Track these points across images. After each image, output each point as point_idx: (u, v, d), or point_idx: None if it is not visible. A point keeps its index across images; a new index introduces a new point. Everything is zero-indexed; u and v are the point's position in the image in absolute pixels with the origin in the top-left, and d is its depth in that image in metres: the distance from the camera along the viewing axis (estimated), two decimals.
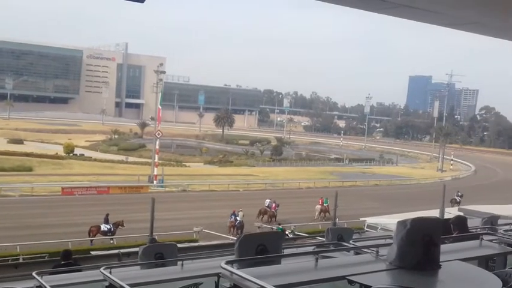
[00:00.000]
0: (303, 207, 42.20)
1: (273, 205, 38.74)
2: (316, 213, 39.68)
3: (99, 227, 29.89)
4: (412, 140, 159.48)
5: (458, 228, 6.98)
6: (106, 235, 29.90)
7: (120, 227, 30.40)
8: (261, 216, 37.79)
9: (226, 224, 33.56)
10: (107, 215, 30.87)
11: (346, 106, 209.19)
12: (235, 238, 6.48)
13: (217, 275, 4.51)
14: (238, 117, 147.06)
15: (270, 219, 37.60)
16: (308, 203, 42.43)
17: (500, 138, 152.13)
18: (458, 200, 46.98)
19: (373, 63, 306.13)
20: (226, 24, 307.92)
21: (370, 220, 29.80)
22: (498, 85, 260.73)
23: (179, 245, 15.13)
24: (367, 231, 24.95)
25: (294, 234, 29.34)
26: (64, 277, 6.28)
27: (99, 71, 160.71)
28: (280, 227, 31.03)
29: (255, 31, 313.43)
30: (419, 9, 4.70)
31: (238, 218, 33.54)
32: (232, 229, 32.87)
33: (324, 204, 40.01)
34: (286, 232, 29.32)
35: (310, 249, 6.00)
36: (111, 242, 28.91)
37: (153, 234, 19.50)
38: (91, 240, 28.85)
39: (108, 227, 30.18)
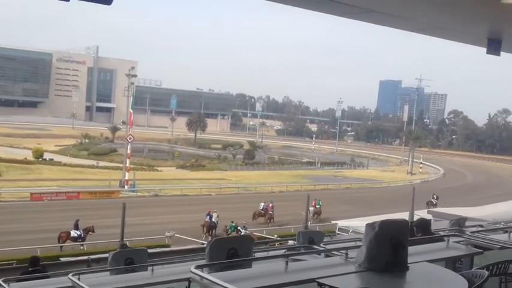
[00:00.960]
0: (280, 210, 42.23)
1: (270, 206, 39.98)
2: (310, 215, 40.09)
3: (69, 233, 29.45)
4: (383, 143, 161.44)
5: (421, 231, 7.09)
6: (76, 241, 29.46)
7: (90, 232, 30.00)
8: (256, 218, 38.65)
9: (199, 228, 33.45)
10: (77, 220, 30.42)
11: (318, 110, 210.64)
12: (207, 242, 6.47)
13: (188, 279, 4.50)
14: (210, 121, 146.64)
15: (268, 221, 38.53)
16: (283, 207, 42.55)
17: (468, 142, 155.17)
18: (434, 202, 47.90)
19: (344, 68, 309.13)
20: (198, 28, 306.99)
21: (341, 223, 29.99)
22: (466, 90, 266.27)
23: (150, 250, 15.02)
24: (338, 234, 25.15)
25: (245, 228, 31.98)
26: (31, 284, 6.19)
27: (69, 75, 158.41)
28: (233, 224, 32.65)
29: (226, 35, 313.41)
30: (387, 14, 4.79)
31: (213, 219, 34.17)
32: (205, 229, 33.22)
33: (317, 206, 41.31)
34: (239, 228, 31.99)
35: (280, 252, 6.03)
36: (81, 248, 28.50)
37: (124, 239, 19.30)
38: (61, 247, 28.37)
39: (78, 233, 29.76)
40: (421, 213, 20.88)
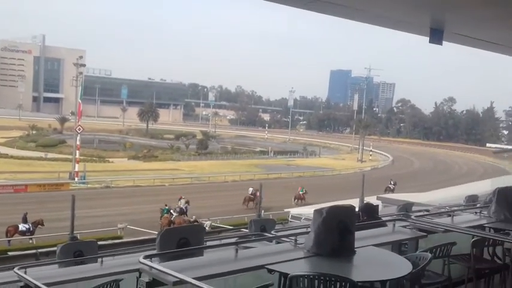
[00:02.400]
0: (234, 199, 42.34)
1: (257, 192, 40.24)
2: (293, 201, 42.99)
3: (17, 227, 28.65)
4: (334, 132, 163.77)
5: (367, 216, 7.28)
6: (25, 235, 28.68)
7: (39, 226, 29.28)
8: (247, 203, 41.16)
9: (152, 219, 33.19)
10: (25, 214, 29.66)
11: (271, 99, 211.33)
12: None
13: (138, 270, 4.48)
14: (163, 111, 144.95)
15: (255, 206, 39.32)
16: (237, 196, 42.73)
17: (415, 130, 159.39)
18: (392, 188, 49.94)
19: (296, 58, 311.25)
20: (149, 17, 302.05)
21: (294, 211, 30.43)
22: (413, 79, 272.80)
23: (101, 243, 14.79)
24: (291, 221, 25.49)
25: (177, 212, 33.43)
26: None
27: (15, 64, 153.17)
28: (166, 207, 34.20)
29: (178, 24, 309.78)
30: (331, 3, 4.86)
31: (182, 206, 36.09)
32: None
33: (300, 193, 44.14)
34: (171, 211, 33.63)
35: (232, 240, 6.07)
36: (30, 241, 27.78)
37: (75, 232, 18.98)
38: (8, 241, 27.56)
39: (27, 226, 29.00)
40: (371, 200, 21.41)
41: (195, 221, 32.23)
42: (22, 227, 28.87)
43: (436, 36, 6.92)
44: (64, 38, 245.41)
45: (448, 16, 6.56)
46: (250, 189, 42.31)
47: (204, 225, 29.39)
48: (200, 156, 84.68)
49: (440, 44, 7.07)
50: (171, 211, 34.00)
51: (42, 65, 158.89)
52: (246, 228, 9.37)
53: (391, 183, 51.59)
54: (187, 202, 36.66)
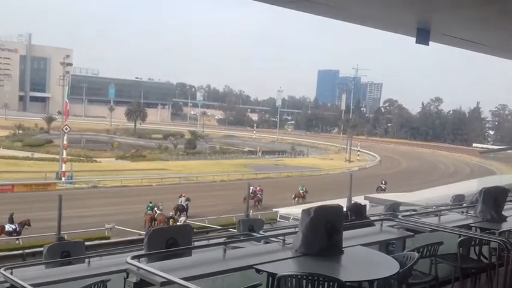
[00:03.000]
0: (223, 199, 42.24)
1: (257, 188, 42.78)
2: (294, 200, 43.91)
3: (3, 227, 28.37)
4: (322, 132, 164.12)
5: (355, 215, 7.32)
6: (11, 235, 28.40)
7: (26, 226, 29.01)
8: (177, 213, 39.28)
9: (139, 219, 33.08)
10: (12, 214, 29.36)
11: (259, 99, 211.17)
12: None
13: (126, 271, 4.46)
14: (150, 111, 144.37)
15: (256, 204, 41.42)
16: (224, 196, 42.66)
17: (402, 129, 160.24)
18: (383, 187, 50.61)
19: (284, 58, 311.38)
20: (136, 16, 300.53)
21: (282, 211, 30.45)
22: (400, 79, 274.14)
23: (88, 243, 14.70)
24: (279, 221, 25.51)
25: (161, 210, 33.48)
26: None
27: (1, 63, 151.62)
28: (150, 204, 34.50)
29: (166, 24, 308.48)
30: (318, 3, 4.87)
31: (183, 203, 37.02)
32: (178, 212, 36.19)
33: (301, 191, 45.28)
34: (155, 208, 33.79)
35: (220, 240, 6.07)
36: (17, 242, 27.51)
37: (62, 233, 18.79)
38: None
39: (14, 226, 28.73)
40: (359, 199, 21.47)
41: (171, 217, 33.76)
42: (8, 227, 28.60)
43: (423, 36, 6.97)
44: (50, 36, 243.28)
45: (434, 16, 6.61)
46: (251, 187, 42.08)
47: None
48: (188, 156, 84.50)
49: (427, 44, 7.12)
50: (155, 208, 33.98)
51: (28, 64, 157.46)
52: (234, 228, 9.37)
53: (382, 183, 52.22)
54: (187, 200, 37.37)
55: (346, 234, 5.16)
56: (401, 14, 6.19)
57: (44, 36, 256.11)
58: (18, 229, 28.72)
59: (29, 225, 29.01)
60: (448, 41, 7.95)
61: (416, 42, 6.92)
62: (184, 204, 36.99)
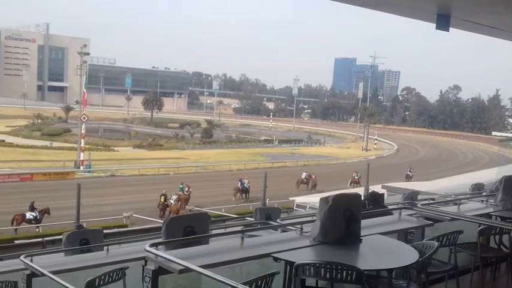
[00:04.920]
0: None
1: (313, 175, 46.46)
2: (349, 184, 45.60)
3: (24, 215, 28.70)
4: (338, 120, 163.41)
5: (373, 204, 7.26)
6: (31, 223, 28.74)
7: (46, 214, 29.37)
8: (299, 185, 45.09)
9: (157, 208, 33.32)
10: (32, 202, 29.70)
11: (275, 88, 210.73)
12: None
13: (144, 258, 4.48)
14: (167, 100, 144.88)
15: (312, 189, 44.11)
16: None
17: (420, 118, 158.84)
18: (411, 175, 52.13)
19: (301, 46, 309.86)
20: (152, 4, 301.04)
21: (299, 200, 30.43)
22: (418, 66, 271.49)
23: (107, 231, 14.86)
24: (296, 210, 25.51)
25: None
26: None
27: (19, 53, 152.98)
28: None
29: (182, 12, 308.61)
30: None
31: (245, 185, 40.01)
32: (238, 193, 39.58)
33: (355, 177, 46.87)
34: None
35: (237, 229, 6.07)
36: (37, 230, 27.89)
37: (80, 221, 19.04)
38: (15, 229, 27.67)
39: (34, 214, 29.07)
40: (376, 188, 21.37)
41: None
42: (29, 215, 28.91)
43: (443, 22, 6.85)
44: (68, 26, 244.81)
45: (455, 2, 6.49)
46: (304, 173, 47.38)
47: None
48: (205, 145, 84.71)
49: (447, 30, 7.00)
50: (173, 197, 34.19)
51: (46, 53, 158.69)
52: (251, 217, 9.38)
53: (410, 171, 53.60)
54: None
55: (364, 223, 5.13)
56: (421, 0, 6.09)
57: (61, 26, 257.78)
58: (38, 217, 29.07)
59: (49, 213, 29.37)
60: (468, 27, 7.81)
61: (436, 28, 6.80)
62: (247, 186, 40.00)
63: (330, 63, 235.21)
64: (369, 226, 5.34)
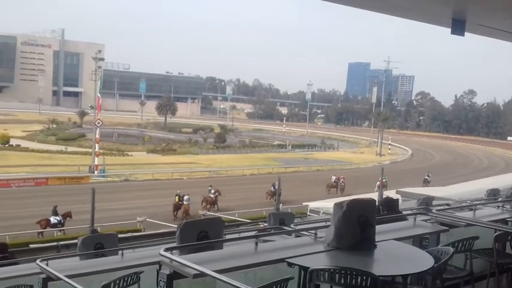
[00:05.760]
0: (256, 193, 42.29)
1: (341, 178, 47.42)
2: (376, 187, 44.62)
3: (49, 220, 28.85)
4: (352, 125, 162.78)
5: (388, 209, 7.21)
6: (56, 227, 28.88)
7: (68, 218, 29.50)
8: (329, 189, 46.11)
9: (170, 213, 33.47)
10: (55, 206, 29.90)
11: (288, 93, 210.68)
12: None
13: (158, 263, 4.50)
14: (180, 105, 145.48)
15: (341, 192, 44.80)
16: (256, 190, 42.66)
17: (435, 123, 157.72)
18: (429, 180, 52.40)
19: (314, 51, 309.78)
20: (166, 11, 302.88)
21: (312, 205, 30.34)
22: (433, 71, 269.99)
23: (121, 235, 14.91)
24: (309, 215, 25.43)
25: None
26: (0, 271, 6.09)
27: (35, 59, 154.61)
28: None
29: (196, 18, 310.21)
30: None
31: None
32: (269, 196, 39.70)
33: (383, 180, 46.73)
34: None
35: (251, 233, 6.07)
36: (59, 234, 27.86)
37: (95, 225, 19.15)
38: (41, 233, 27.60)
39: (58, 219, 29.25)
40: (390, 194, 21.26)
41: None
42: (53, 219, 29.09)
43: (458, 27, 6.82)
44: (83, 32, 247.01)
45: (470, 6, 6.46)
46: (333, 177, 47.97)
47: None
48: (218, 150, 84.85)
49: (462, 35, 6.97)
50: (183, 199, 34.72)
51: (61, 59, 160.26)
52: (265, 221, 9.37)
53: (428, 176, 53.75)
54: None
55: (379, 228, 5.10)
56: (436, 5, 6.06)
57: (76, 31, 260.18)
58: (62, 221, 29.25)
59: (71, 217, 29.44)
60: (484, 32, 7.77)
61: (451, 33, 6.78)
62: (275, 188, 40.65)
63: (343, 68, 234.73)
64: (383, 232, 5.30)
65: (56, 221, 29.06)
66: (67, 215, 29.56)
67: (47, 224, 28.64)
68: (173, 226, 26.99)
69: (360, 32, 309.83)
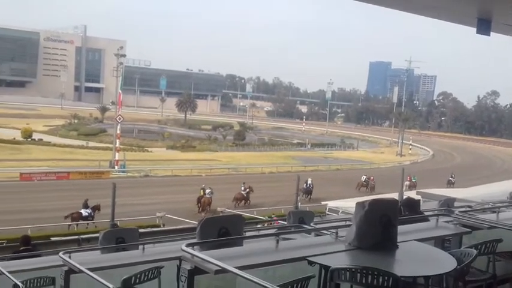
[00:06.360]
0: (276, 191, 42.22)
1: (371, 177, 48.07)
2: (405, 187, 44.61)
3: (81, 213, 29.25)
4: (373, 125, 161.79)
5: (409, 210, 7.13)
6: (87, 220, 29.24)
7: (97, 211, 29.82)
8: (359, 188, 46.92)
9: (189, 209, 33.66)
10: (86, 200, 30.28)
11: (308, 91, 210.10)
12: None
13: (179, 258, 4.52)
14: (200, 102, 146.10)
15: (371, 191, 45.41)
16: (278, 188, 42.56)
17: (457, 123, 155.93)
18: (453, 181, 52.43)
19: (334, 49, 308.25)
20: (187, 7, 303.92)
21: (331, 204, 30.19)
22: (455, 71, 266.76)
23: (141, 230, 15.04)
24: (328, 214, 25.33)
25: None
26: (23, 262, 6.19)
27: (57, 54, 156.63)
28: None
29: (216, 14, 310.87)
30: None
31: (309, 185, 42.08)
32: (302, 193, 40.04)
33: (413, 180, 47.82)
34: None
35: (271, 231, 6.06)
36: (86, 226, 28.15)
37: (115, 219, 19.33)
38: (70, 226, 27.87)
39: (89, 211, 29.63)
40: (410, 194, 21.08)
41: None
42: (85, 212, 29.49)
43: (484, 26, 6.72)
44: (105, 28, 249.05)
45: (496, 6, 6.36)
46: (364, 176, 48.93)
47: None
48: (237, 147, 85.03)
49: (488, 34, 6.86)
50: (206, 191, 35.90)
51: (83, 55, 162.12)
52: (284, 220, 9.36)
53: (452, 177, 53.70)
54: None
55: (400, 228, 5.05)
56: (462, 4, 5.98)
57: (98, 28, 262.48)
58: (92, 214, 29.62)
59: (99, 210, 29.74)
60: (510, 31, 7.64)
61: (477, 33, 6.68)
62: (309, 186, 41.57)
63: (364, 67, 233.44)
64: (405, 232, 5.25)
65: (86, 214, 29.44)
66: (96, 208, 29.88)
67: (79, 216, 28.98)
68: (192, 222, 27.16)
69: (381, 31, 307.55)
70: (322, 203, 32.41)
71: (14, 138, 71.24)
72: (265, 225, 17.44)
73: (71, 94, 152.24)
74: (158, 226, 26.88)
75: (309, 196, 41.31)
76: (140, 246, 5.47)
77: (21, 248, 8.79)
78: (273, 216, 26.52)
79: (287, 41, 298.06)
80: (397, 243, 4.81)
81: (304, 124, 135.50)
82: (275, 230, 6.52)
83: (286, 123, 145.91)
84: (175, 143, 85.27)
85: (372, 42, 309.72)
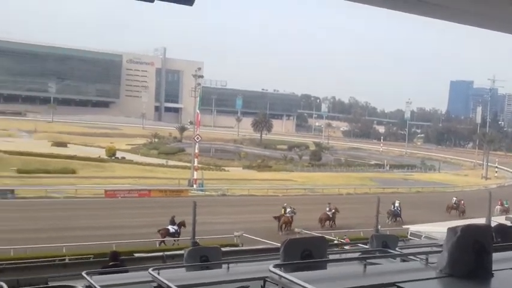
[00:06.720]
0: (357, 213, 41.42)
1: (461, 201, 46.66)
2: (497, 211, 43.44)
3: (168, 230, 29.99)
4: (454, 146, 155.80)
5: (501, 237, 6.76)
6: (174, 236, 29.93)
7: (183, 227, 30.23)
8: (450, 211, 45.76)
9: (266, 229, 33.66)
10: (173, 216, 30.87)
11: (386, 111, 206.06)
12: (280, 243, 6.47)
13: (264, 278, 4.52)
14: (276, 121, 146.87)
15: (461, 214, 44.28)
16: (359, 209, 41.69)
17: None
18: None
19: (412, 68, 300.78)
20: (262, 27, 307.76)
21: (413, 228, 29.34)
22: None
23: (223, 249, 15.18)
24: (410, 239, 24.52)
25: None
26: (113, 277, 6.41)
27: (139, 76, 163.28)
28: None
29: (290, 35, 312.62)
30: (434, 4, 4.45)
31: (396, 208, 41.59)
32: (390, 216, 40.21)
33: (505, 205, 46.48)
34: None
35: (355, 255, 5.94)
36: (174, 243, 28.78)
37: (195, 237, 19.61)
38: (162, 242, 28.72)
39: (176, 228, 30.27)
40: (499, 220, 20.05)
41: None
42: (172, 229, 30.19)
43: None
44: (183, 49, 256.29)
45: None
46: (454, 198, 48.00)
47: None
48: (313, 168, 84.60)
49: None
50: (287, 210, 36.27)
51: (163, 76, 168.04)
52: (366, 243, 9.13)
53: None
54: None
55: (495, 256, 4.80)
56: None
57: (177, 49, 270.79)
58: (178, 230, 30.26)
59: (185, 226, 29.93)
60: None
61: None
62: (398, 209, 41.28)
63: (444, 86, 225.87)
64: (500, 260, 4.98)
65: (173, 230, 30.08)
66: (182, 224, 30.24)
67: (166, 233, 29.67)
68: (270, 242, 27.14)
69: (462, 49, 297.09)
70: (403, 226, 31.50)
71: (99, 156, 74.52)
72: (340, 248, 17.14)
73: (151, 114, 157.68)
74: (236, 245, 27.06)
75: (396, 219, 40.62)
76: (224, 265, 5.53)
77: (110, 263, 9.14)
78: (344, 237, 26.08)
79: (363, 60, 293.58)
80: (492, 272, 4.58)
81: (382, 145, 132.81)
82: (359, 253, 6.38)
83: (363, 143, 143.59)
84: (252, 162, 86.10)
85: (452, 61, 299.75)
